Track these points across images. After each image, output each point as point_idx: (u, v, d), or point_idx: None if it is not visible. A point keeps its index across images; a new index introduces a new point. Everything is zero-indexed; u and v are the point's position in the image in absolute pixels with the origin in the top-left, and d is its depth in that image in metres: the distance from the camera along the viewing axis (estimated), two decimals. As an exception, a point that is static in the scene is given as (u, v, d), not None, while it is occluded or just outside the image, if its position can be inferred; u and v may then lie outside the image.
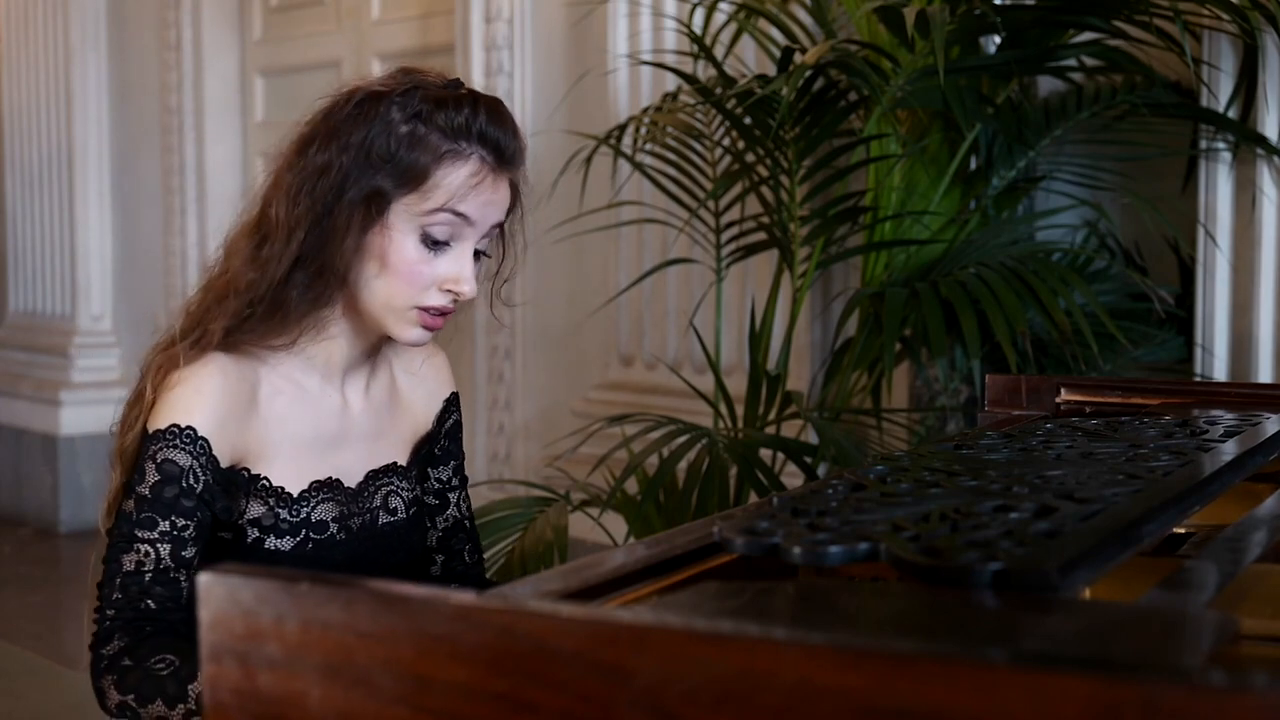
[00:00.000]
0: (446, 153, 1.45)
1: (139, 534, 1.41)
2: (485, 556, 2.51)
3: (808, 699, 0.60)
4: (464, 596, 0.69)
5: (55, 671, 3.75)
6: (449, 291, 1.48)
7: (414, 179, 1.45)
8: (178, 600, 1.42)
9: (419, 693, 0.68)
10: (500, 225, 1.52)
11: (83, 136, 5.48)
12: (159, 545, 1.41)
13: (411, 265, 1.46)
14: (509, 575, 2.46)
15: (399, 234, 1.46)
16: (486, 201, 1.48)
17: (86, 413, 5.34)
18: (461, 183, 1.46)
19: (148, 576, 1.41)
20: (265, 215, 1.48)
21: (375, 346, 1.58)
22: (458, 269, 1.48)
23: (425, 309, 1.48)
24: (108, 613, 1.41)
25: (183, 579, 1.42)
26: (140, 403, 1.49)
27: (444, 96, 1.47)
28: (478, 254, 1.51)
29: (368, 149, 1.44)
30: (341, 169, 1.44)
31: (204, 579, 0.73)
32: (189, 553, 1.42)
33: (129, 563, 1.41)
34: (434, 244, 1.47)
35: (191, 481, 1.42)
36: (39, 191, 5.60)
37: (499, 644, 0.67)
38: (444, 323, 1.51)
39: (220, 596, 0.73)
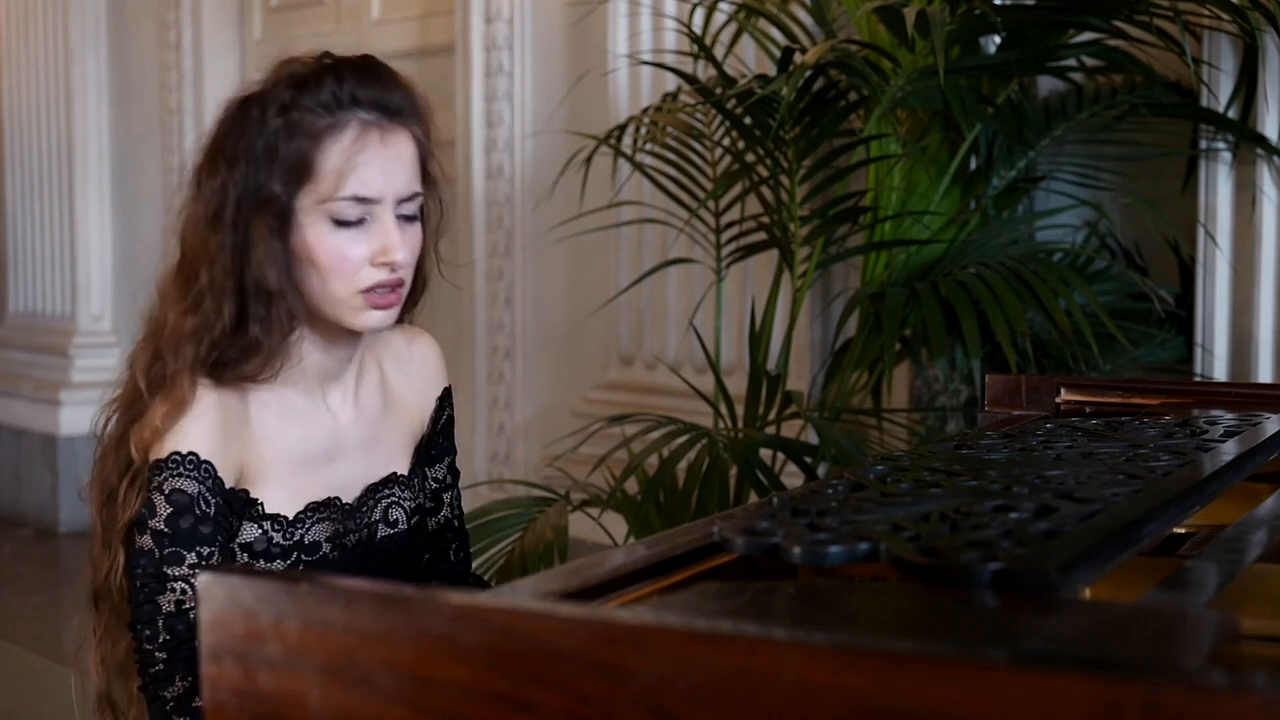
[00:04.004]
0: (324, 128, 1.40)
1: (169, 571, 1.38)
2: (486, 556, 2.53)
3: (807, 699, 0.60)
4: (464, 596, 0.69)
5: (55, 671, 3.74)
6: (383, 265, 1.42)
7: (300, 171, 1.40)
8: None
9: (419, 693, 0.68)
10: (419, 186, 1.46)
11: (83, 136, 5.47)
12: (192, 580, 1.38)
13: (334, 252, 1.41)
14: (509, 575, 2.46)
15: (312, 229, 1.41)
16: (383, 165, 1.42)
17: (86, 413, 5.25)
18: (344, 153, 1.40)
19: (192, 614, 1.38)
20: (184, 253, 1.45)
21: (353, 351, 1.53)
22: (382, 239, 1.42)
23: (368, 290, 1.43)
24: (158, 655, 1.38)
25: None
26: (120, 451, 1.44)
27: (307, 75, 1.42)
28: (407, 219, 1.45)
29: (250, 155, 1.41)
30: (235, 184, 1.41)
31: (204, 579, 0.73)
32: None
33: (167, 603, 1.38)
34: (349, 225, 1.41)
35: (204, 507, 1.39)
36: (39, 191, 5.60)
37: (499, 644, 0.66)
38: (398, 298, 1.45)
39: (220, 597, 0.73)
